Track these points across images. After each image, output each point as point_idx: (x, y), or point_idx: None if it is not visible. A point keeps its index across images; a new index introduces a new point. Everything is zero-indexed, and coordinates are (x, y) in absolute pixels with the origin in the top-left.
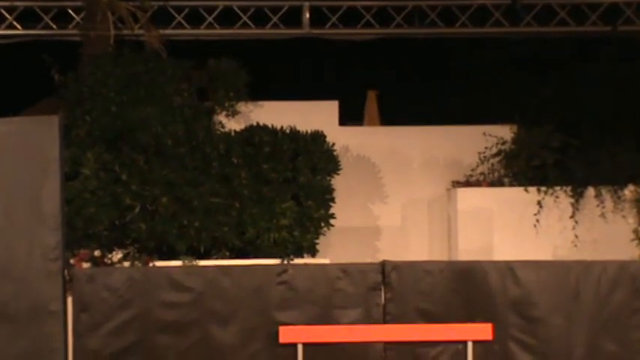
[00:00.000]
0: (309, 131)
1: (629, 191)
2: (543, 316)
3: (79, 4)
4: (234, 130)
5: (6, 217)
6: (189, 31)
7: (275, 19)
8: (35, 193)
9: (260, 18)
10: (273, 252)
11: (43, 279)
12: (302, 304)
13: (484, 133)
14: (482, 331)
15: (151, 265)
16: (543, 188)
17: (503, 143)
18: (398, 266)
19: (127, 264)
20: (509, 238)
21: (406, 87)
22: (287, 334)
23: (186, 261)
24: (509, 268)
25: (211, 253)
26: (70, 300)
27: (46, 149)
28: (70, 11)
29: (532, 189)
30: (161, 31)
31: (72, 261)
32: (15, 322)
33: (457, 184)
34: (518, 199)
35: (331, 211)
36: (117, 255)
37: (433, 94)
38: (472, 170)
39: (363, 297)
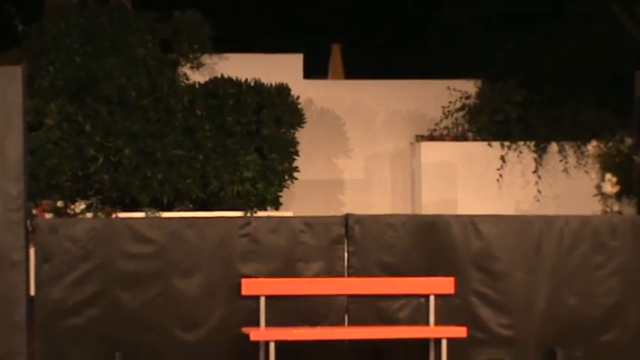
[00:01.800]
0: (273, 84)
1: (591, 147)
2: (505, 270)
3: None
4: (199, 83)
5: None
6: None
7: None
8: None
9: None
10: (237, 204)
11: (5, 229)
12: (265, 256)
13: (448, 88)
14: (445, 284)
15: (113, 216)
16: (507, 143)
17: (467, 98)
18: (361, 219)
19: (89, 215)
20: (473, 193)
21: (371, 41)
22: (249, 286)
23: (149, 213)
24: (471, 222)
25: (174, 205)
26: (32, 250)
27: (9, 100)
28: None
29: (495, 144)
30: None
31: (35, 211)
32: None
33: (421, 138)
34: (481, 153)
35: (295, 164)
36: (80, 206)
37: (398, 48)
38: (436, 124)
39: (325, 250)
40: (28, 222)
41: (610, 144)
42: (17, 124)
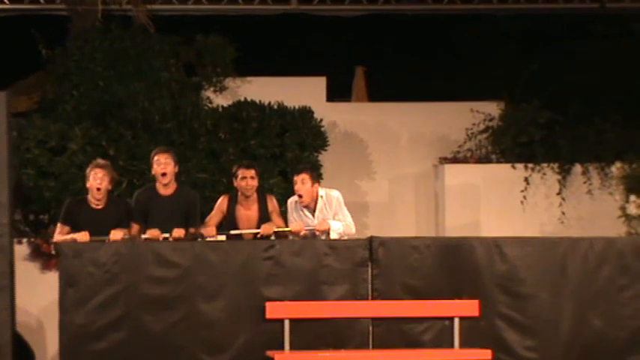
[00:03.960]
0: (296, 107)
1: (616, 168)
2: (530, 293)
3: None
4: (222, 106)
5: None
6: (177, 7)
7: None
8: None
9: None
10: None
11: None
12: (289, 279)
13: (471, 110)
14: (469, 307)
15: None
16: (530, 165)
17: (491, 120)
18: (385, 242)
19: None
20: (496, 215)
21: (394, 63)
22: (274, 309)
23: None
24: (496, 244)
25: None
26: (56, 275)
27: None
28: None
29: (519, 165)
30: (149, 6)
31: None
32: None
33: (444, 160)
34: (505, 175)
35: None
36: None
37: (421, 70)
38: (459, 146)
39: (350, 273)
40: (52, 246)
41: (634, 165)
42: (1, 149)
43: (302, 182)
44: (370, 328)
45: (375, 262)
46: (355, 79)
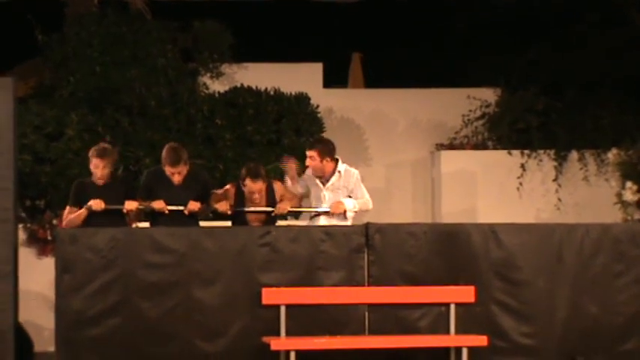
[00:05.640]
0: (293, 93)
1: (612, 154)
2: (526, 279)
3: None
4: (218, 92)
5: None
6: None
7: None
8: None
9: None
10: None
11: None
12: (285, 266)
13: (468, 96)
14: (465, 293)
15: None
16: (527, 151)
17: (487, 106)
18: (381, 229)
19: None
20: (493, 201)
21: (391, 50)
22: (270, 295)
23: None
24: (492, 230)
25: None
26: (53, 261)
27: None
28: None
29: (516, 152)
30: None
31: (55, 222)
32: None
33: (441, 146)
34: (501, 162)
35: None
36: None
37: (418, 56)
38: (456, 133)
39: (346, 259)
40: (48, 232)
41: (630, 152)
42: (7, 134)
43: (310, 159)
44: (366, 315)
45: (371, 249)
46: (352, 65)
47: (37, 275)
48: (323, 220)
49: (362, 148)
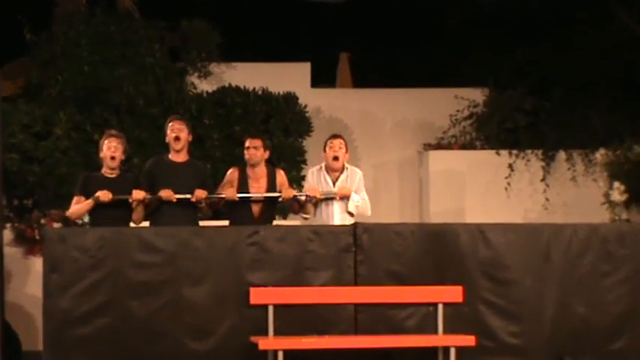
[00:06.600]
0: (281, 93)
1: (600, 155)
2: (514, 279)
3: None
4: (207, 91)
5: None
6: None
7: None
8: None
9: None
10: None
11: None
12: (273, 265)
13: (456, 96)
14: (453, 293)
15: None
16: (515, 151)
17: (475, 106)
18: (369, 228)
19: None
20: (481, 201)
21: (379, 49)
22: (258, 295)
23: None
24: (480, 230)
25: None
26: (40, 260)
27: None
28: None
29: (504, 152)
30: None
31: (43, 221)
32: None
33: (429, 146)
34: (489, 161)
35: (303, 172)
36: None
37: (405, 56)
38: (444, 133)
39: (334, 259)
40: (36, 231)
41: (618, 152)
42: None
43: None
44: (354, 314)
45: (359, 248)
46: (339, 65)
47: (25, 275)
48: (337, 208)
49: (350, 147)
